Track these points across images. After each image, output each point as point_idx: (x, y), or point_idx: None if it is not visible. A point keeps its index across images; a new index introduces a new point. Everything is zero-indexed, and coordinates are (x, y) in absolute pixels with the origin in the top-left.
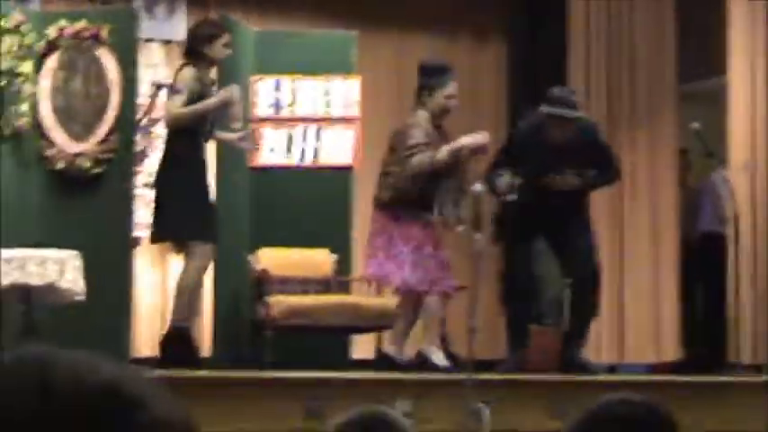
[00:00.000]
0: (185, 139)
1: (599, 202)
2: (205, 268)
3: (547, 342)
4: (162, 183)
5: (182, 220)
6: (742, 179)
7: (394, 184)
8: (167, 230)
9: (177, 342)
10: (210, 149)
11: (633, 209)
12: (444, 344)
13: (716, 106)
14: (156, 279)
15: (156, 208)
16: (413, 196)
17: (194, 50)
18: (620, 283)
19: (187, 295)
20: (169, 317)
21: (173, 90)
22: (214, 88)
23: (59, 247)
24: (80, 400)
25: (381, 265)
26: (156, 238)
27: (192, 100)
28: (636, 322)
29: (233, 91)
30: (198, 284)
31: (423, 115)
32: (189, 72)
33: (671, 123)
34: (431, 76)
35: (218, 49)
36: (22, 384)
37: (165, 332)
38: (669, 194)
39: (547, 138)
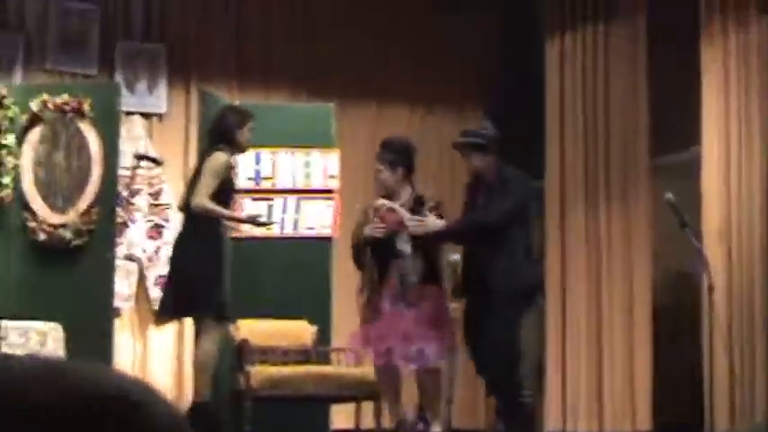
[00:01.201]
0: (205, 219)
1: (575, 274)
2: (220, 342)
3: None
4: (179, 259)
5: (199, 296)
6: (716, 250)
7: None
8: (187, 308)
9: (202, 420)
10: None
11: (609, 281)
12: (420, 414)
13: (690, 178)
14: (137, 350)
15: (173, 284)
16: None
17: (224, 137)
18: (598, 354)
19: (206, 372)
20: (191, 395)
21: (204, 176)
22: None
23: (41, 318)
24: (92, 406)
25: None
26: (171, 314)
27: (220, 186)
28: (611, 392)
29: (264, 217)
30: (216, 358)
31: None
32: (223, 158)
33: (645, 196)
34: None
35: (246, 135)
36: (38, 392)
37: (187, 410)
38: (644, 266)
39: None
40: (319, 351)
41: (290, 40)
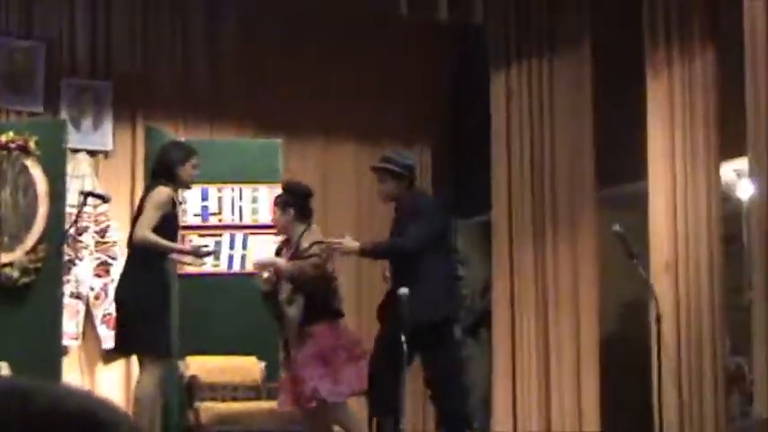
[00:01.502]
0: (149, 254)
1: (523, 306)
2: (161, 380)
3: None
4: (123, 295)
5: (143, 336)
6: (664, 281)
7: None
8: (129, 345)
9: None
10: None
11: (557, 312)
12: None
13: (637, 210)
14: (84, 387)
15: (118, 320)
16: None
17: (167, 172)
18: (547, 386)
19: (144, 411)
20: None
21: (144, 209)
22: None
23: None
24: (58, 423)
25: None
26: (121, 349)
27: (163, 220)
28: (561, 422)
29: (208, 247)
30: (156, 397)
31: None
32: (165, 192)
33: (592, 227)
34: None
35: (189, 171)
36: (5, 411)
37: None
38: (591, 297)
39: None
40: (270, 387)
41: (236, 76)
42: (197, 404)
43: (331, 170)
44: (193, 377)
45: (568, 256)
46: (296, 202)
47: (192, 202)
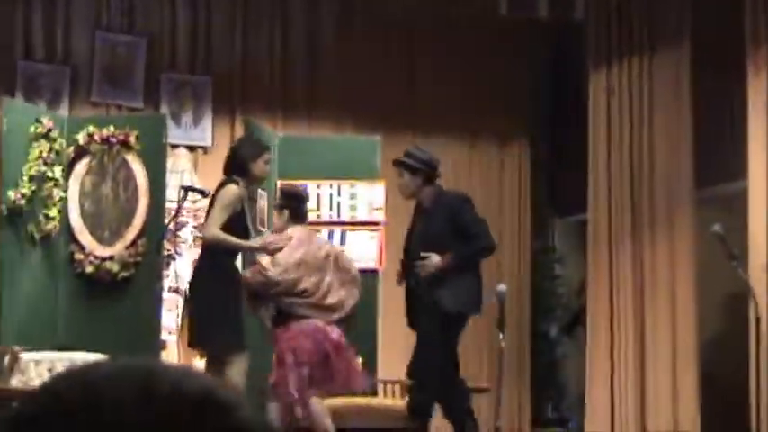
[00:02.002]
0: (219, 251)
1: (622, 305)
2: (244, 374)
3: None
4: (198, 291)
5: (218, 331)
6: (763, 281)
7: None
8: (205, 340)
9: None
10: None
11: (655, 312)
12: None
13: (736, 210)
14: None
15: (195, 315)
16: None
17: (238, 168)
18: (643, 381)
19: None
20: None
21: (212, 205)
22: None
23: (88, 349)
24: (179, 404)
25: None
26: (194, 343)
27: (232, 217)
28: (656, 424)
29: (274, 243)
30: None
31: None
32: (232, 190)
33: (689, 228)
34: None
35: (261, 167)
36: (127, 390)
37: None
38: (688, 298)
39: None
40: (380, 382)
41: (334, 72)
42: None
43: None
44: None
45: (666, 256)
46: (290, 204)
47: None
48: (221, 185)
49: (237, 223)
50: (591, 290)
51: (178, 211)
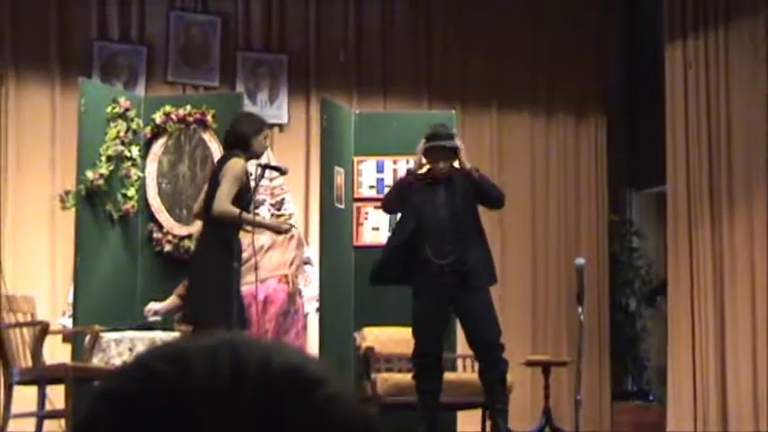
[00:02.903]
0: (223, 227)
1: (702, 275)
2: None
3: None
4: (205, 266)
5: (204, 305)
6: None
7: None
8: (191, 314)
9: None
10: (314, 228)
11: (734, 283)
12: (548, 418)
13: None
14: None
15: (199, 291)
16: None
17: (241, 142)
18: (723, 362)
19: None
20: None
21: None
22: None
23: (167, 328)
24: (269, 379)
25: None
26: (184, 319)
27: (239, 192)
28: (738, 403)
29: (285, 227)
30: None
31: None
32: (240, 164)
33: (766, 202)
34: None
35: (261, 142)
36: (217, 364)
37: None
38: (766, 273)
39: None
40: (445, 358)
41: (409, 47)
42: (374, 375)
43: (505, 141)
44: (370, 348)
45: (744, 230)
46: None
47: (367, 175)
48: (224, 159)
49: (243, 198)
50: (671, 263)
51: (255, 189)
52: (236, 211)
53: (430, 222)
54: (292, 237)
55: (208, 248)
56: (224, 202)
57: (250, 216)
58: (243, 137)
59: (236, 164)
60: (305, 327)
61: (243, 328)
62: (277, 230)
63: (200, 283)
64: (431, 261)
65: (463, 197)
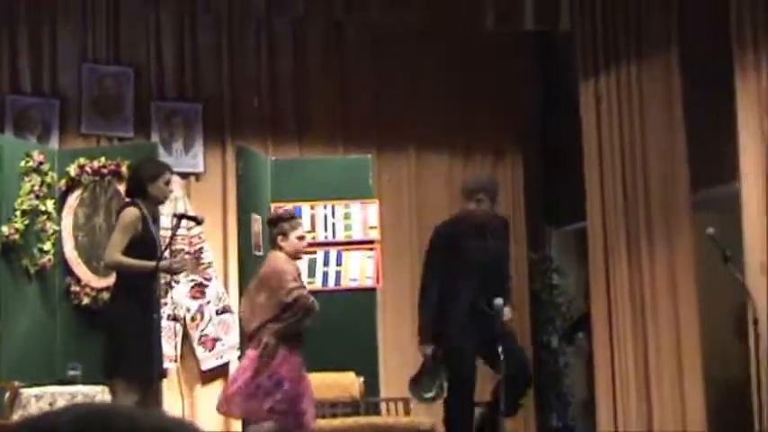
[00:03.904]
0: (128, 276)
1: (621, 312)
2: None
3: None
4: (116, 319)
5: (114, 358)
6: (760, 282)
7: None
8: (109, 369)
9: None
10: (233, 275)
11: (655, 318)
12: None
13: (732, 212)
14: (185, 409)
15: (115, 344)
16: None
17: (138, 189)
18: (647, 382)
19: None
20: None
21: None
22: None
23: (87, 382)
24: None
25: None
26: (105, 376)
27: (132, 241)
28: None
29: (177, 265)
30: None
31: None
32: (131, 212)
33: (687, 231)
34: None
35: (161, 188)
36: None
37: None
38: (689, 299)
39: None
40: (368, 402)
41: (324, 92)
42: None
43: (423, 183)
44: None
45: (665, 260)
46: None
47: None
48: (121, 209)
49: (141, 245)
50: (593, 299)
51: (172, 239)
52: (125, 260)
53: None
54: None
55: (117, 299)
56: (112, 252)
57: (137, 262)
58: (139, 184)
59: (126, 213)
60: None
61: (159, 379)
62: (168, 272)
63: (111, 335)
64: None
65: None
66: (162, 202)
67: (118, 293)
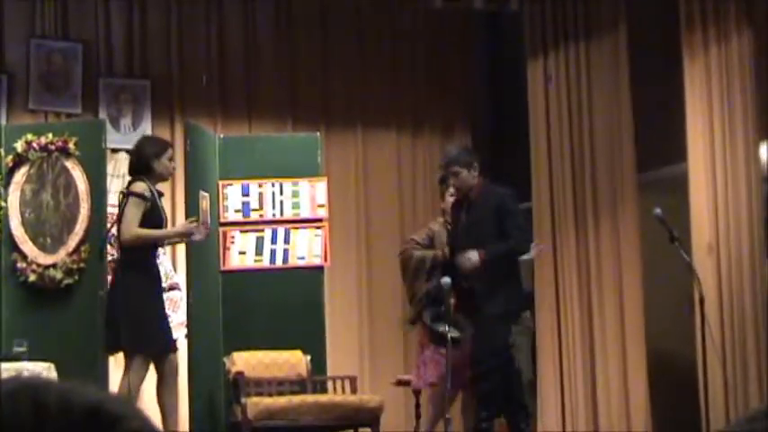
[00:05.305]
0: (141, 248)
1: (568, 293)
2: (140, 381)
3: None
4: (114, 292)
5: (126, 332)
6: (706, 262)
7: None
8: (115, 342)
9: None
10: (181, 253)
11: (601, 296)
12: None
13: (679, 192)
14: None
15: (125, 318)
16: None
17: (142, 166)
18: (592, 371)
19: None
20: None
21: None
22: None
23: (33, 358)
24: (69, 419)
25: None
26: (107, 349)
27: (148, 214)
28: (608, 414)
29: (194, 227)
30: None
31: None
32: (141, 187)
33: (633, 212)
34: None
35: (165, 164)
36: (19, 406)
37: None
38: (634, 279)
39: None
40: (315, 380)
41: (272, 70)
42: (243, 400)
43: (372, 161)
44: (239, 373)
45: (611, 241)
46: None
47: (232, 199)
48: (128, 186)
49: (154, 219)
50: (537, 278)
51: (119, 217)
52: (144, 231)
53: None
54: None
55: (125, 275)
56: (131, 226)
57: (156, 231)
58: (143, 161)
59: (136, 187)
60: None
61: (172, 351)
62: (187, 235)
63: (122, 310)
64: None
65: None
66: (166, 179)
67: (124, 269)
